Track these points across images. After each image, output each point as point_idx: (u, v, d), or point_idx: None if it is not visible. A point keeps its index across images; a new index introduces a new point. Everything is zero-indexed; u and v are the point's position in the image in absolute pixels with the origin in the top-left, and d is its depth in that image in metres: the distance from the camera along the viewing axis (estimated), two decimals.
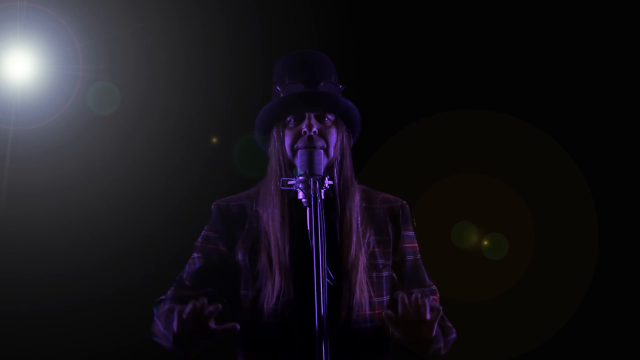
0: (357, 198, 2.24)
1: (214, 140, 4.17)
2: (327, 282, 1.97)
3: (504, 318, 4.00)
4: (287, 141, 2.21)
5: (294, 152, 2.19)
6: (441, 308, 2.04)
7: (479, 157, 4.10)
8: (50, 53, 3.94)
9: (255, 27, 4.16)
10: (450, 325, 2.25)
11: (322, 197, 1.99)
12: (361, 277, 2.16)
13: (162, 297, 2.24)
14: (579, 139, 4.10)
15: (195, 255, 2.28)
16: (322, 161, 2.08)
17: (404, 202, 2.35)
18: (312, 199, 1.98)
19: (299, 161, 2.06)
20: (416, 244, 2.33)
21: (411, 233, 2.33)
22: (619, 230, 4.06)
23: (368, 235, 2.24)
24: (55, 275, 3.95)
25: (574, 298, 3.99)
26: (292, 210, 2.17)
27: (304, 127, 2.19)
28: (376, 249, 2.24)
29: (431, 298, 2.25)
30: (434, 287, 2.32)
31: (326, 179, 2.01)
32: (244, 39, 4.16)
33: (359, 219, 2.23)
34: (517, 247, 4.08)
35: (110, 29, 4.04)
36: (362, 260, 2.17)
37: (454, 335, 2.25)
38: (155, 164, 4.08)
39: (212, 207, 2.33)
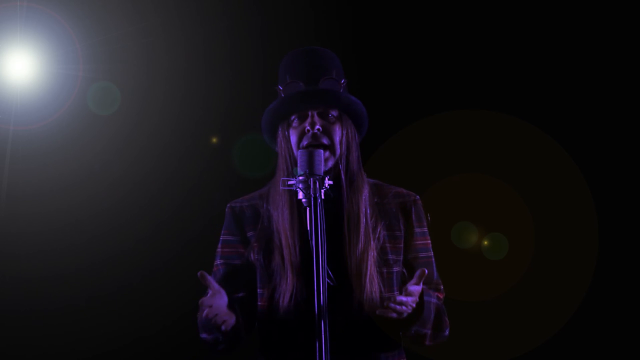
0: (365, 192, 2.25)
1: (214, 140, 4.17)
2: (327, 282, 1.97)
3: (504, 318, 4.00)
4: (293, 140, 2.22)
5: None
6: (436, 303, 2.11)
7: (479, 157, 4.10)
8: (50, 53, 3.94)
9: (255, 27, 4.15)
10: (447, 322, 2.25)
11: (322, 197, 1.98)
12: (371, 270, 2.16)
13: None
14: (579, 139, 4.10)
15: (217, 262, 2.30)
16: (323, 160, 2.07)
17: (417, 197, 2.35)
18: (312, 199, 1.98)
19: (299, 161, 2.06)
20: (429, 241, 2.33)
21: (425, 229, 2.34)
22: (619, 230, 4.06)
23: (379, 229, 2.24)
24: (55, 275, 3.95)
25: (574, 298, 3.98)
26: (301, 208, 2.17)
27: (307, 125, 2.20)
28: (387, 245, 2.24)
29: (434, 295, 2.25)
30: (441, 286, 2.33)
31: (326, 178, 2.01)
32: (244, 38, 4.16)
33: (368, 212, 2.23)
34: (517, 247, 4.08)
35: (110, 29, 4.04)
36: (372, 254, 2.18)
37: (446, 333, 2.24)
38: (155, 164, 4.08)
39: (226, 209, 2.35)
